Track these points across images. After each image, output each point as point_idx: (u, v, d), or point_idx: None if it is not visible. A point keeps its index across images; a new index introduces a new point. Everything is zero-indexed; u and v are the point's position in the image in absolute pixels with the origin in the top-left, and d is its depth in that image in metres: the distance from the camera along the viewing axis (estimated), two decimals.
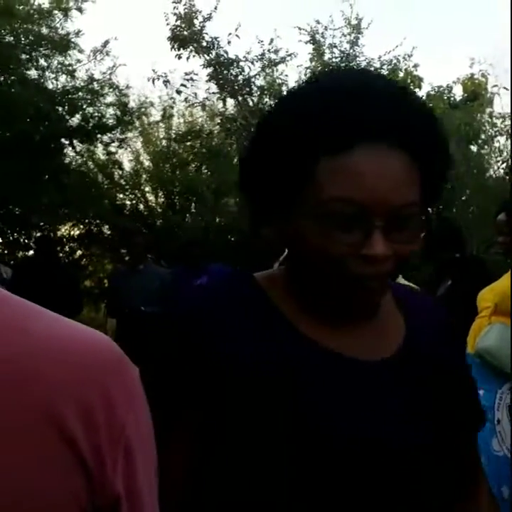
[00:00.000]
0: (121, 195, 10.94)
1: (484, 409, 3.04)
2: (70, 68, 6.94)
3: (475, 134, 8.17)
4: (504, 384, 3.03)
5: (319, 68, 7.91)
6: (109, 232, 10.66)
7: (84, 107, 6.89)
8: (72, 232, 10.25)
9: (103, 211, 9.44)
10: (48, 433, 0.53)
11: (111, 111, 7.30)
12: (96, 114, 7.07)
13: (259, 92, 8.28)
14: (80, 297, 5.65)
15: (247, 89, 8.18)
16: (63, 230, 10.21)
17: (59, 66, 6.94)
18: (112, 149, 8.23)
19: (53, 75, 6.87)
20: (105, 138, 7.41)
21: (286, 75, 8.28)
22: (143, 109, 7.72)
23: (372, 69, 7.93)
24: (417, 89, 9.16)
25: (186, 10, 7.98)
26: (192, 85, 7.91)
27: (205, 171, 9.41)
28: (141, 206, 11.19)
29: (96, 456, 0.55)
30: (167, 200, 11.07)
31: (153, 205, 11.27)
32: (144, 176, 11.08)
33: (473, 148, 8.31)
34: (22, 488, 0.52)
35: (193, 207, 10.65)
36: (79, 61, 7.18)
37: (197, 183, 9.87)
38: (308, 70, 8.05)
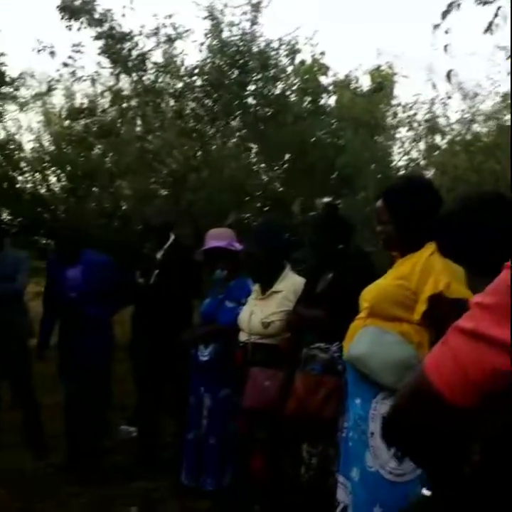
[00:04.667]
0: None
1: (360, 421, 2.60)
2: None
3: (378, 124, 8.00)
4: (378, 393, 2.73)
5: (217, 46, 7.52)
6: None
7: None
8: None
9: None
10: None
11: None
12: None
13: (155, 69, 7.80)
14: None
15: (142, 65, 7.69)
16: None
17: None
18: None
19: None
20: None
21: (183, 51, 7.82)
22: (22, 80, 7.06)
23: (270, 50, 7.61)
24: (322, 77, 8.92)
25: None
26: (80, 58, 7.34)
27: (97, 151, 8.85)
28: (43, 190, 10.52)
29: None
30: (69, 184, 10.43)
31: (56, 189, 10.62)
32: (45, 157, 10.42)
33: (379, 138, 8.15)
34: None
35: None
36: None
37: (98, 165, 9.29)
38: (206, 48, 7.64)
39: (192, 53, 8.25)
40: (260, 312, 3.87)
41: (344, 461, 2.98)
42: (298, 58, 7.88)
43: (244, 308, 3.99)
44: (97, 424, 4.77)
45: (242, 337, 3.94)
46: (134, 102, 7.99)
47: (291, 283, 3.86)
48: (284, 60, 7.78)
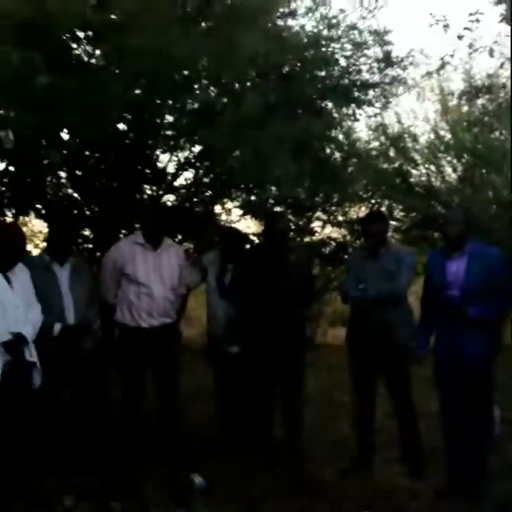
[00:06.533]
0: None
1: None
2: (333, 20, 6.08)
3: None
4: None
5: None
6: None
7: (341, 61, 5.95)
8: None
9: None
10: None
11: (374, 64, 6.25)
12: (353, 68, 6.07)
13: None
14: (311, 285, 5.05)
15: None
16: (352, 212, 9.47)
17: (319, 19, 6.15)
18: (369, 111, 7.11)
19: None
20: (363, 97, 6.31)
21: None
22: (410, 59, 6.45)
23: None
24: None
25: None
26: (476, 28, 6.51)
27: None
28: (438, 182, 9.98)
29: None
30: (464, 174, 9.70)
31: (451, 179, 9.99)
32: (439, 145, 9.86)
33: None
34: None
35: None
36: (342, 11, 6.27)
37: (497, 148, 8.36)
38: None
39: None
40: None
41: None
42: None
43: None
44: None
45: None
46: None
47: None
48: None
